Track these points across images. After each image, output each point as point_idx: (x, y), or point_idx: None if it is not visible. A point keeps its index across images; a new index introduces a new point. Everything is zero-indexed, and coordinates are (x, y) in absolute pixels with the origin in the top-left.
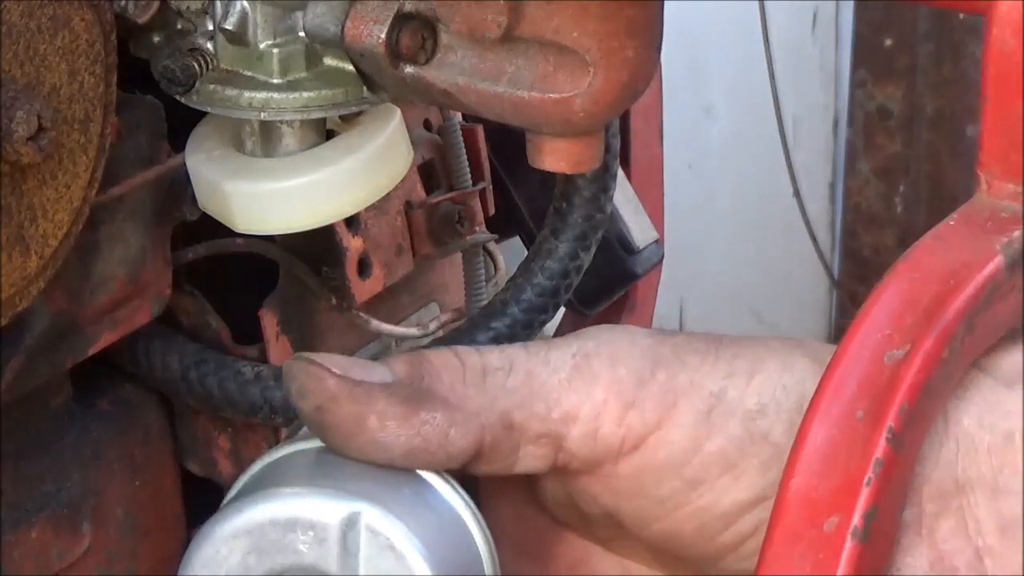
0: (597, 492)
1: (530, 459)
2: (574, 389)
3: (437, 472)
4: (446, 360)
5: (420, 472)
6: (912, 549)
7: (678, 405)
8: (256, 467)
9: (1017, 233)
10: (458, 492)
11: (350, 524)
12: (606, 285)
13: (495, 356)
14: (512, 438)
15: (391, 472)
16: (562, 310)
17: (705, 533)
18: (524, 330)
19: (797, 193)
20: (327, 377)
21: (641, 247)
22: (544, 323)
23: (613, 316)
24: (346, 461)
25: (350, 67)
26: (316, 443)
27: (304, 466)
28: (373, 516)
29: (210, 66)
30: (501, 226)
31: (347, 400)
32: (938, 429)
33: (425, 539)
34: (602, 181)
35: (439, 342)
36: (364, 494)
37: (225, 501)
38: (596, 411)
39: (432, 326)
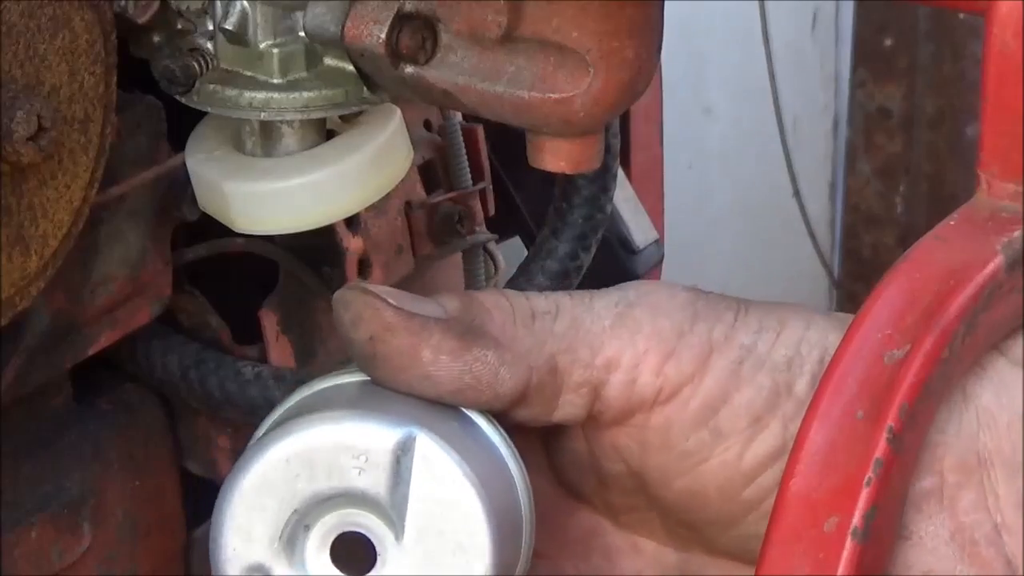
0: (624, 445)
1: (568, 407)
2: (617, 336)
3: (480, 412)
4: (496, 300)
5: (464, 410)
6: (933, 517)
7: (711, 357)
8: (294, 398)
9: (1017, 233)
10: (501, 433)
11: (404, 450)
12: (606, 285)
13: (542, 300)
14: (556, 383)
15: (438, 406)
16: None
17: (729, 489)
18: None
19: (797, 193)
20: (383, 307)
21: (641, 247)
22: None
23: None
24: (392, 394)
25: (350, 67)
26: (356, 376)
27: (349, 397)
28: (427, 443)
29: (210, 66)
30: (501, 226)
31: (402, 331)
32: (957, 403)
33: (476, 470)
34: (602, 181)
35: None
36: (417, 421)
37: (262, 430)
38: (636, 360)
39: None
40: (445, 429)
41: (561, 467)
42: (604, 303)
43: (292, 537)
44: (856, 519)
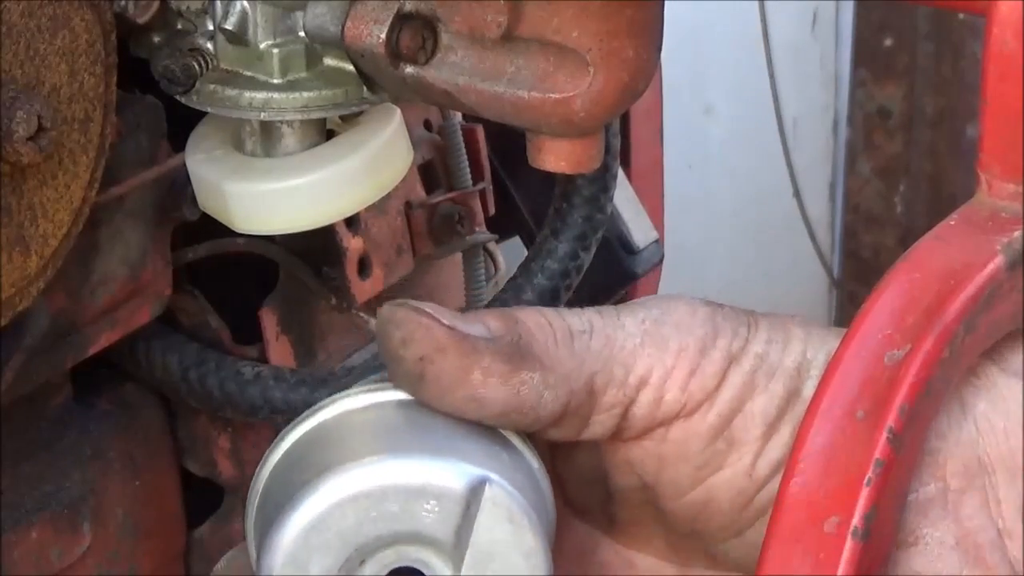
0: (639, 459)
1: (597, 426)
2: (647, 354)
3: (518, 434)
4: (536, 320)
5: (504, 432)
6: (939, 523)
7: (729, 369)
8: (330, 412)
9: (1017, 233)
10: (537, 458)
11: (474, 494)
12: (606, 285)
13: (576, 318)
14: (591, 403)
15: (482, 432)
16: None
17: (740, 497)
18: None
19: (797, 193)
20: (436, 326)
21: (641, 247)
22: None
23: None
24: (435, 417)
25: (350, 67)
26: (391, 394)
27: (394, 424)
28: (498, 490)
29: (210, 66)
30: (501, 226)
31: (455, 352)
32: (955, 412)
33: (536, 511)
34: (602, 181)
35: None
36: (483, 462)
37: (291, 438)
38: (664, 377)
39: None
40: (501, 464)
41: (567, 479)
42: (632, 320)
43: (347, 571)
44: (856, 519)
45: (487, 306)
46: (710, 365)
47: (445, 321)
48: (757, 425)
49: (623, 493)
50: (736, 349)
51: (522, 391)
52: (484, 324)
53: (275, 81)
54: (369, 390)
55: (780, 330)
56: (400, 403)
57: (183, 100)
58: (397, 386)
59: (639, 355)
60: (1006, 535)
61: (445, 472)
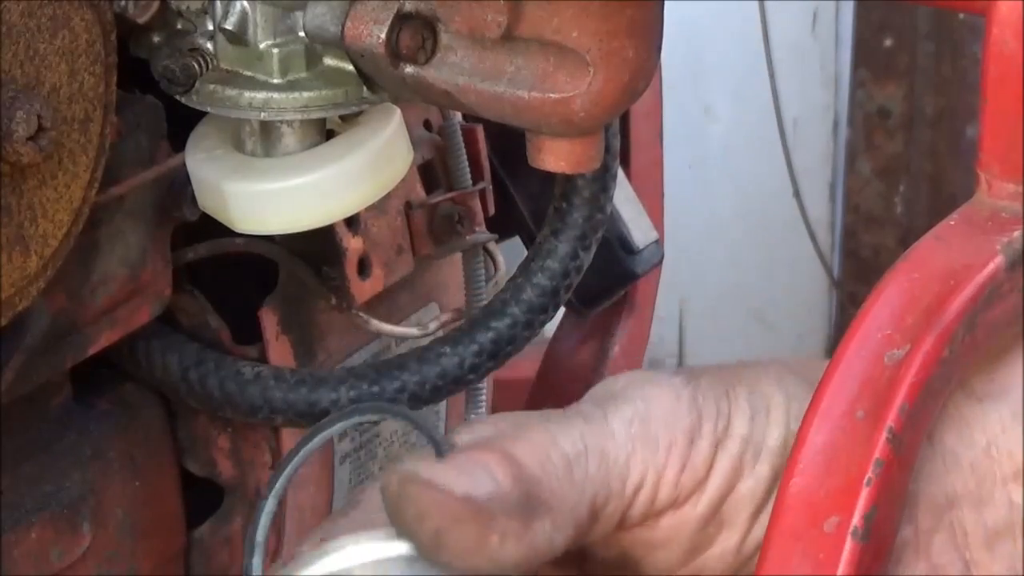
0: (629, 544)
1: (595, 534)
2: (640, 460)
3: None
4: (537, 458)
5: None
6: (911, 565)
7: (717, 455)
8: (329, 567)
9: (1017, 233)
10: None
11: None
12: (606, 285)
13: (567, 439)
14: (593, 521)
15: None
16: (562, 310)
17: (728, 569)
18: (524, 330)
19: (797, 193)
20: (449, 499)
21: (641, 247)
22: (544, 323)
23: (613, 316)
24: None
25: (350, 67)
26: (394, 548)
27: None
28: None
29: (210, 66)
30: (501, 226)
31: (471, 521)
32: (925, 450)
33: None
34: (602, 181)
35: (439, 342)
36: None
37: None
38: (658, 477)
39: (432, 326)
40: None
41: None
42: (620, 422)
43: None
44: (856, 519)
45: (487, 306)
46: (698, 455)
47: (458, 492)
48: (746, 507)
49: (601, 564)
50: (721, 431)
51: (535, 542)
52: (490, 475)
53: (275, 81)
54: (378, 540)
55: (760, 398)
56: (411, 559)
57: (183, 100)
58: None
59: (633, 463)
60: (972, 565)
61: None
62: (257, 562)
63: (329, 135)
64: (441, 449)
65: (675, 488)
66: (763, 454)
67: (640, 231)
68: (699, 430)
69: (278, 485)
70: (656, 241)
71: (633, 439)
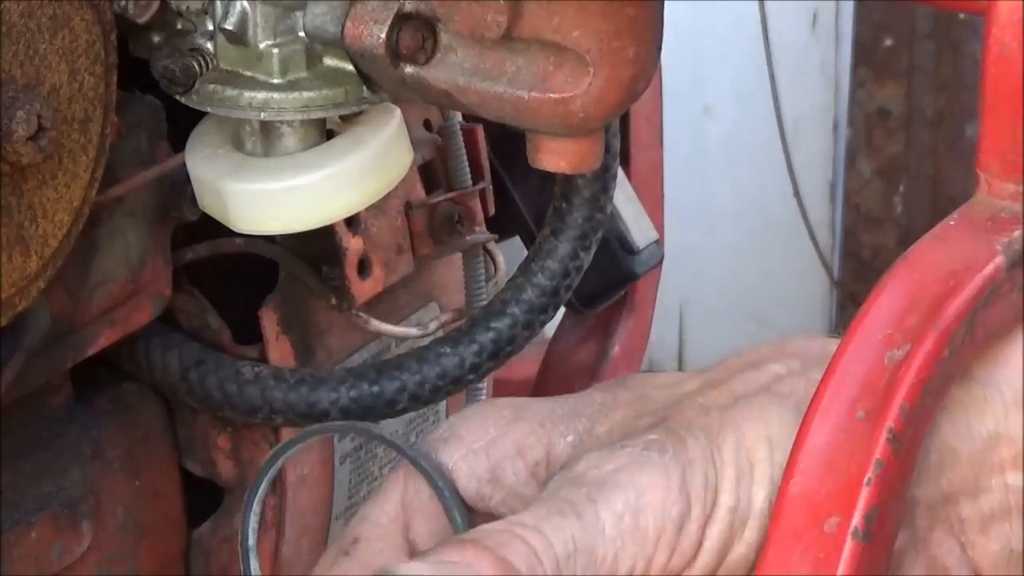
0: None
1: None
2: (630, 554)
3: None
4: (527, 559)
5: None
6: (911, 566)
7: (707, 533)
8: None
9: (1017, 233)
10: None
11: None
12: (606, 285)
13: (559, 541)
14: None
15: None
16: (562, 310)
17: None
18: (524, 330)
19: (797, 193)
20: None
21: (641, 247)
22: (544, 323)
23: (613, 316)
24: None
25: (350, 67)
26: None
27: None
28: None
29: (210, 66)
30: (501, 226)
31: None
32: (923, 447)
33: None
34: (602, 181)
35: (439, 342)
36: None
37: None
38: (647, 565)
39: (432, 326)
40: None
41: None
42: (611, 517)
43: None
44: (856, 519)
45: (487, 306)
46: (687, 539)
47: None
48: (739, 570)
49: None
50: (709, 507)
51: None
52: None
53: (275, 81)
54: None
55: (743, 458)
56: None
57: (183, 100)
58: None
59: (622, 557)
60: (969, 547)
61: None
62: (255, 564)
63: (329, 135)
64: (418, 464)
65: (664, 570)
66: (750, 520)
67: (640, 231)
68: (688, 515)
69: (256, 497)
70: (656, 241)
71: (623, 534)
